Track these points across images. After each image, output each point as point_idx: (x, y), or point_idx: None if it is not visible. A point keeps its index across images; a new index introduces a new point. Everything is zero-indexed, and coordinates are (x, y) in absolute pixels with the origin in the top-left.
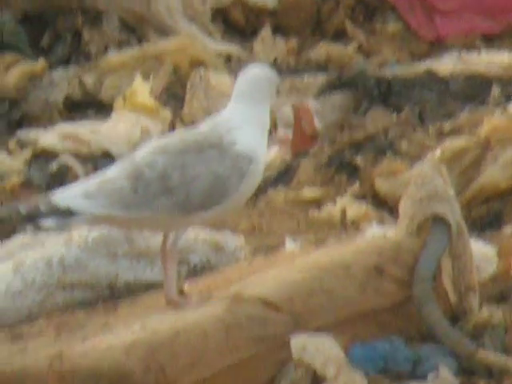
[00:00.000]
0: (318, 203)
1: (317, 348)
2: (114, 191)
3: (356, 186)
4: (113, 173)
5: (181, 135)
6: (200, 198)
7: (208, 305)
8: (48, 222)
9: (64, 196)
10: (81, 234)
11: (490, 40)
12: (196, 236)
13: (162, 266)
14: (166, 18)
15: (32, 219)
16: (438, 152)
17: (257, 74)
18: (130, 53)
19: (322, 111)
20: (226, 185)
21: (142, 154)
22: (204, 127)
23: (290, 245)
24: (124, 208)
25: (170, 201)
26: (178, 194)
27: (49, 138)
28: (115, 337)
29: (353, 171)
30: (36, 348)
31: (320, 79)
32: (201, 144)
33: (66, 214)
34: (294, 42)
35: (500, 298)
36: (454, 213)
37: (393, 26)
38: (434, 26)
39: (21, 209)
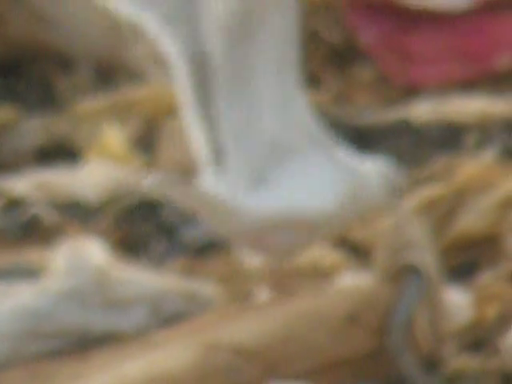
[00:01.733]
0: None
1: None
2: None
3: None
4: None
5: None
6: None
7: (180, 353)
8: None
9: None
10: (53, 283)
11: (466, 87)
12: (169, 285)
13: (134, 315)
14: (139, 66)
15: None
16: (413, 200)
17: None
18: (103, 101)
19: None
20: None
21: None
22: None
23: (263, 293)
24: None
25: None
26: None
27: (21, 186)
28: None
29: None
30: None
31: None
32: None
33: None
34: None
35: (475, 347)
36: (428, 261)
37: (367, 74)
38: (408, 73)
39: None
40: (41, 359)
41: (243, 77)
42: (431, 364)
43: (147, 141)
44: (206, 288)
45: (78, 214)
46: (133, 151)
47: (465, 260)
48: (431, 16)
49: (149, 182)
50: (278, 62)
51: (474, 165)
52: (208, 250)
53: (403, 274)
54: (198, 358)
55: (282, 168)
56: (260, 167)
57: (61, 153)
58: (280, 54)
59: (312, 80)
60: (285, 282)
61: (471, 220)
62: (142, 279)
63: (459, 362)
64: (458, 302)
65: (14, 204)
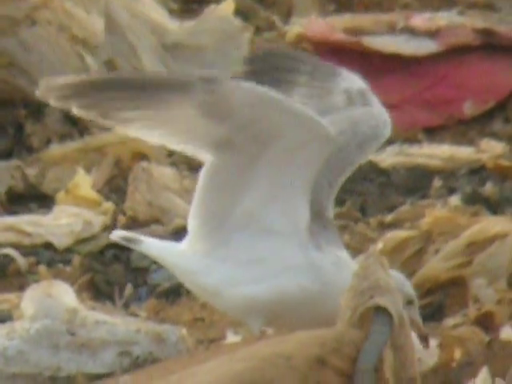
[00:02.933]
0: None
1: None
2: None
3: None
4: None
5: None
6: None
7: None
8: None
9: None
10: (23, 325)
11: (432, 132)
12: (138, 328)
13: (104, 357)
14: None
15: None
16: (380, 244)
17: None
18: (72, 145)
19: None
20: None
21: None
22: None
23: (231, 337)
24: None
25: None
26: None
27: None
28: None
29: None
30: None
31: None
32: None
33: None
34: None
35: None
36: (395, 304)
37: None
38: None
39: None
40: None
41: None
42: None
43: (117, 184)
44: (175, 331)
45: (47, 256)
46: (102, 195)
47: (431, 302)
48: (398, 62)
49: (114, 236)
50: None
51: (440, 209)
52: (175, 292)
53: (371, 316)
54: None
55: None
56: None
57: (31, 196)
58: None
59: None
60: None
61: (437, 264)
62: (112, 321)
63: None
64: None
65: None
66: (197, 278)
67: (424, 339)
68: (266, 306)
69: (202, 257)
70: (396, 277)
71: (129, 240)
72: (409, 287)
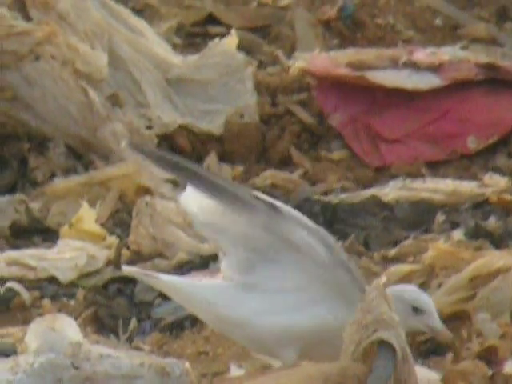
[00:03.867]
0: None
1: None
2: None
3: None
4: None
5: None
6: None
7: None
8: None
9: None
10: (27, 359)
11: (435, 167)
12: (142, 361)
13: None
14: (113, 145)
15: None
16: (383, 278)
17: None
18: (77, 179)
19: None
20: None
21: None
22: None
23: (235, 370)
24: None
25: None
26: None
27: None
28: None
29: None
30: None
31: None
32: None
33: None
34: (239, 169)
35: None
36: (399, 338)
37: (338, 154)
38: (379, 154)
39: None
40: None
41: None
42: None
43: (121, 219)
44: (179, 365)
45: (51, 290)
46: (106, 229)
47: (433, 338)
48: (401, 96)
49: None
50: None
51: (443, 243)
52: (179, 326)
53: (375, 350)
54: None
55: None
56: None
57: (35, 231)
58: None
59: (283, 159)
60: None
61: (440, 298)
62: (116, 355)
63: None
64: (426, 379)
65: None
66: (225, 310)
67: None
68: (305, 335)
69: (232, 287)
70: (398, 289)
71: (146, 275)
72: (411, 296)
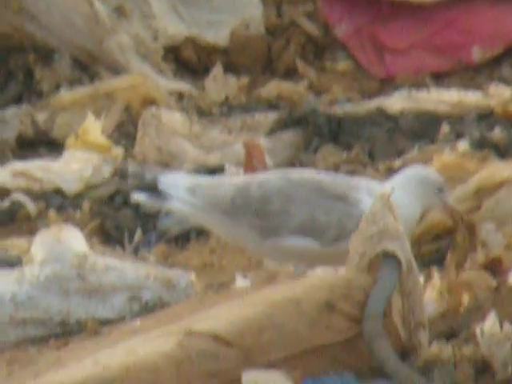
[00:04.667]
0: None
1: None
2: (216, 194)
3: None
4: (227, 180)
5: (312, 173)
6: (287, 232)
7: (159, 340)
8: (140, 196)
9: (169, 182)
10: (32, 271)
11: (440, 78)
12: (148, 273)
13: (113, 303)
14: (118, 56)
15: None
16: (388, 189)
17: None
18: (82, 91)
19: (273, 149)
20: (320, 233)
21: (264, 175)
22: (337, 177)
23: (240, 281)
24: (217, 211)
25: (258, 222)
26: (269, 220)
27: (0, 175)
28: (67, 373)
29: None
30: None
31: (271, 117)
32: (319, 185)
33: (161, 195)
34: (245, 80)
35: (449, 334)
36: (404, 250)
37: (343, 64)
38: (383, 64)
39: (130, 167)
40: (20, 346)
41: None
42: (407, 351)
43: (126, 130)
44: (184, 276)
45: (56, 202)
46: (112, 140)
47: (439, 248)
48: (406, 7)
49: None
50: None
51: (448, 154)
52: (184, 237)
53: (380, 261)
54: (175, 345)
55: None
56: None
57: (41, 142)
58: None
59: (288, 70)
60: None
61: None
62: (121, 267)
63: (434, 348)
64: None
65: None
66: None
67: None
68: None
69: None
70: (420, 172)
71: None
72: (436, 175)
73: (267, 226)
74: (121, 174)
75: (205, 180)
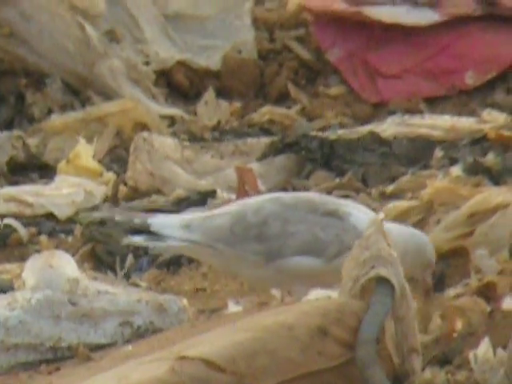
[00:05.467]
0: None
1: None
2: (213, 226)
3: None
4: (219, 210)
5: (300, 193)
6: (290, 253)
7: (151, 365)
8: (139, 239)
9: (161, 223)
10: (24, 295)
11: (433, 103)
12: (140, 297)
13: (105, 328)
14: (110, 81)
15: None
16: (381, 214)
17: None
18: (74, 115)
19: (266, 174)
20: (322, 249)
21: (255, 200)
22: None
23: (233, 307)
24: (216, 242)
25: (259, 247)
26: (270, 243)
27: None
28: None
29: None
30: None
31: (263, 142)
32: (312, 204)
33: (157, 238)
34: (237, 105)
35: (443, 360)
36: (397, 275)
37: (336, 89)
38: (376, 89)
39: (116, 217)
40: (11, 371)
41: None
42: (400, 377)
43: (118, 155)
44: (176, 301)
45: (48, 227)
46: (103, 165)
47: (433, 273)
48: (399, 32)
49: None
50: None
51: (442, 179)
52: (176, 263)
53: (373, 286)
54: (167, 370)
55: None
56: None
57: (32, 167)
58: None
59: (281, 94)
60: (255, 295)
61: (438, 235)
62: (113, 292)
63: (427, 374)
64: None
65: None
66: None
67: (427, 294)
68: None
69: None
70: (424, 239)
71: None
72: (432, 252)
73: (269, 249)
74: (112, 199)
75: (196, 215)
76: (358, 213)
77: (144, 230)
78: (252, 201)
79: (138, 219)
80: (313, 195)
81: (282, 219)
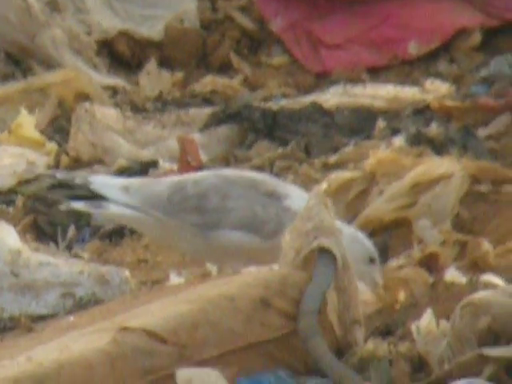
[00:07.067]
0: None
1: (202, 381)
2: (152, 193)
3: None
4: (160, 180)
5: (241, 171)
6: (227, 227)
7: (92, 336)
8: (77, 204)
9: (101, 182)
10: None
11: (376, 73)
12: (81, 269)
13: (47, 299)
14: (51, 51)
15: (63, 189)
16: (323, 185)
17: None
18: (15, 86)
19: (208, 144)
20: (260, 227)
21: (198, 173)
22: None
23: (175, 278)
24: (154, 209)
25: (197, 218)
26: (208, 216)
27: None
28: (0, 369)
29: None
30: None
31: (205, 112)
32: (253, 182)
33: (97, 199)
34: (179, 75)
35: (385, 331)
36: (339, 246)
37: (278, 59)
38: (319, 59)
39: (58, 175)
40: None
41: None
42: (342, 348)
43: (60, 125)
44: (119, 272)
45: None
46: (45, 135)
47: (375, 243)
48: (342, 2)
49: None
50: None
51: (384, 150)
52: (118, 234)
53: (315, 257)
54: (109, 341)
55: None
56: None
57: None
58: None
59: (223, 64)
60: (197, 266)
61: (381, 205)
62: (55, 263)
63: (370, 345)
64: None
65: None
66: None
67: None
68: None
69: None
70: (357, 234)
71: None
72: (370, 245)
73: (207, 222)
74: (54, 169)
75: (137, 179)
76: (295, 195)
77: (83, 197)
78: (194, 174)
79: (79, 178)
80: (255, 174)
81: (222, 193)
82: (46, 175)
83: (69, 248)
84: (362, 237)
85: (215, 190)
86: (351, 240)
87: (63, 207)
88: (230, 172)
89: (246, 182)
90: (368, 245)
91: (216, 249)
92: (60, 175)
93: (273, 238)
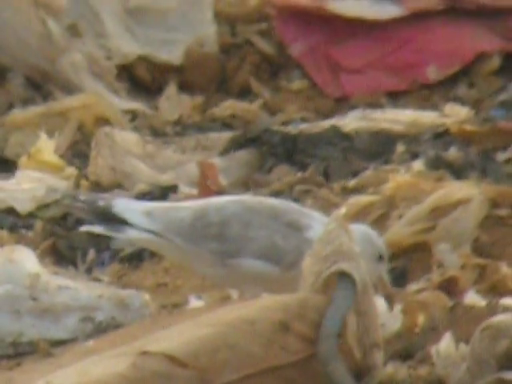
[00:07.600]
0: None
1: None
2: (174, 218)
3: None
4: (182, 204)
5: (264, 199)
6: (247, 256)
7: (112, 360)
8: (97, 228)
9: (124, 206)
10: None
11: (395, 97)
12: (101, 293)
13: (66, 323)
14: (72, 76)
15: (87, 212)
16: (343, 209)
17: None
18: (35, 110)
19: (228, 169)
20: (280, 258)
21: (221, 199)
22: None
23: (194, 302)
24: (175, 235)
25: (217, 246)
26: (229, 244)
27: None
28: None
29: None
30: None
31: (225, 137)
32: (275, 211)
33: (118, 223)
34: (199, 99)
35: (404, 355)
36: (359, 270)
37: (298, 84)
38: (339, 84)
39: (80, 196)
40: None
41: None
42: (362, 371)
43: (80, 149)
44: (138, 296)
45: (9, 222)
46: (65, 160)
47: (394, 267)
48: (362, 26)
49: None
50: None
51: (403, 174)
52: (138, 257)
53: (335, 281)
54: (129, 365)
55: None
56: None
57: None
58: None
59: (243, 89)
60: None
61: (400, 229)
62: (74, 287)
63: (389, 369)
64: (387, 310)
65: None
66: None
67: (389, 298)
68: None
69: None
70: (367, 231)
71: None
72: (380, 242)
73: (227, 250)
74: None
75: (159, 204)
76: (318, 226)
77: (104, 219)
78: (215, 199)
79: (101, 200)
80: (278, 202)
81: (244, 222)
82: (69, 195)
83: (88, 272)
84: (372, 234)
85: (237, 218)
86: (362, 237)
87: (83, 229)
88: (252, 199)
89: (268, 210)
90: (378, 242)
91: (235, 276)
92: (83, 196)
93: (292, 269)
